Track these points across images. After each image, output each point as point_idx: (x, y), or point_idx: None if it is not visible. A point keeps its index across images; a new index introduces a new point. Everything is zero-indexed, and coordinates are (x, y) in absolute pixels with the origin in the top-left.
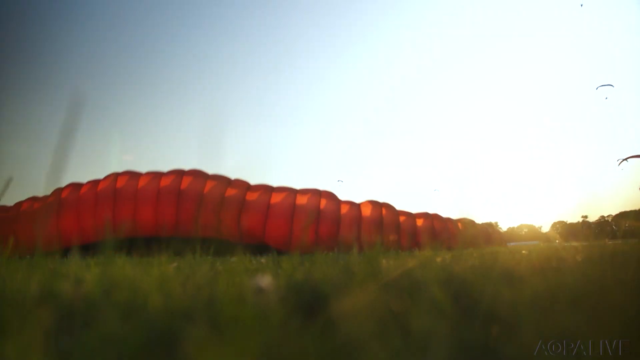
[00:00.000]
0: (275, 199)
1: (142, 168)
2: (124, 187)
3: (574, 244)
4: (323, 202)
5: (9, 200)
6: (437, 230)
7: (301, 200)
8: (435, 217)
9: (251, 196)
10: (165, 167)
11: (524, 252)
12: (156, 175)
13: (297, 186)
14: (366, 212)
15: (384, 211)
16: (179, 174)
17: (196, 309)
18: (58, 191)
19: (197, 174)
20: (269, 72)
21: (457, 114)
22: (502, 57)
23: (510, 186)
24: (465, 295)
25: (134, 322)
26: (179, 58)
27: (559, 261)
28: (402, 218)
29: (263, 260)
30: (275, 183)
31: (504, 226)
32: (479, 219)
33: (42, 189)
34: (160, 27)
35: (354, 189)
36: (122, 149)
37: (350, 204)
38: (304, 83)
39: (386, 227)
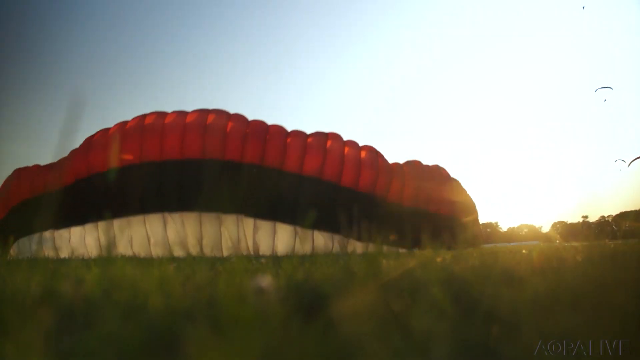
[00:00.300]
0: (289, 138)
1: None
2: (151, 123)
3: (574, 244)
4: (329, 142)
5: None
6: (424, 176)
7: (310, 138)
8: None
9: (270, 135)
10: None
11: (524, 252)
12: (182, 112)
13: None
14: (363, 154)
15: (379, 157)
16: (203, 112)
17: (196, 309)
18: (89, 138)
19: (220, 112)
20: (269, 72)
21: (458, 114)
22: (504, 57)
23: (510, 186)
24: (465, 295)
25: (134, 322)
26: (179, 58)
27: (559, 261)
28: (393, 165)
29: (263, 260)
30: None
31: (504, 226)
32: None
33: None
34: (160, 27)
35: None
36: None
37: (352, 144)
38: (304, 83)
39: (381, 169)
